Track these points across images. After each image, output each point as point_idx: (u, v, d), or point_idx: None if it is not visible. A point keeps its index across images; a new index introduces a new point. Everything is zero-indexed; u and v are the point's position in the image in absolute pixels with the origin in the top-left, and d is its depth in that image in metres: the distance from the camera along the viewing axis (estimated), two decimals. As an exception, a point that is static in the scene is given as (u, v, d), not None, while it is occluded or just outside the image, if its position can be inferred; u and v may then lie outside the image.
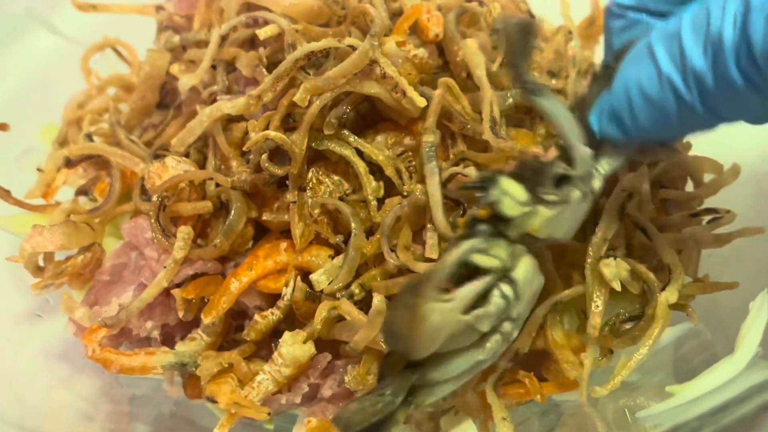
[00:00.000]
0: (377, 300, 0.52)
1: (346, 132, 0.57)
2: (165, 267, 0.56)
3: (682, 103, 0.41)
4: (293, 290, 0.56)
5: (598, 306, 0.53)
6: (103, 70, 0.77)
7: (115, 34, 0.76)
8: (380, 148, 0.57)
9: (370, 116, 0.58)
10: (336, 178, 0.57)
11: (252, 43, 0.63)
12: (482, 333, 0.45)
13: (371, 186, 0.56)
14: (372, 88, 0.55)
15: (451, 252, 0.44)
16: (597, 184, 0.47)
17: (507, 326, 0.45)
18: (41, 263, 0.62)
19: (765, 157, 0.67)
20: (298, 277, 0.56)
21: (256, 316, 0.57)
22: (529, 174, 0.46)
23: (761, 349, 0.51)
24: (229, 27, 0.62)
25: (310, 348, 0.54)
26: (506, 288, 0.45)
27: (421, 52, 0.57)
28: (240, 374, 0.56)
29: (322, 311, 0.54)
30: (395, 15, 0.61)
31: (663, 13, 0.46)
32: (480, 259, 0.45)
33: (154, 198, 0.58)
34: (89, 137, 0.68)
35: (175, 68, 0.65)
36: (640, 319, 0.53)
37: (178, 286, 0.57)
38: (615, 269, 0.52)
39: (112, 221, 0.64)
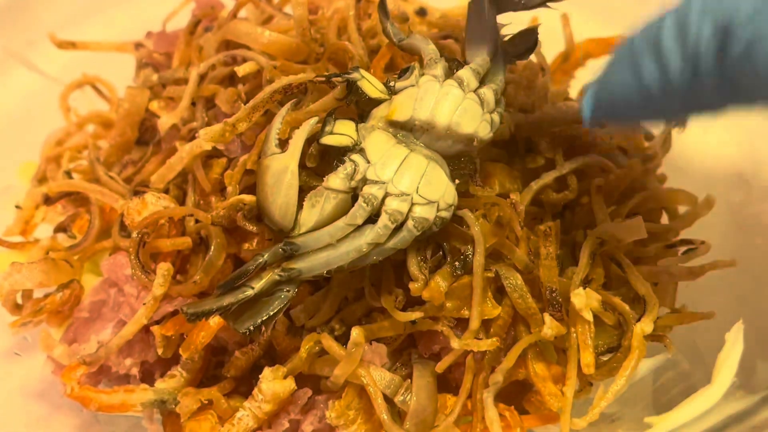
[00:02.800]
0: (355, 333, 0.52)
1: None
2: (144, 304, 0.56)
3: (660, 105, 0.42)
4: (273, 326, 0.56)
5: (587, 344, 0.53)
6: (81, 107, 0.77)
7: (94, 72, 0.76)
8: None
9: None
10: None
11: (231, 79, 0.63)
12: (350, 194, 0.50)
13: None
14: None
15: (297, 134, 0.52)
16: (438, 70, 0.53)
17: (392, 203, 0.49)
18: (19, 301, 0.62)
19: (740, 187, 0.68)
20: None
21: (236, 352, 0.57)
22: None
23: (738, 380, 0.52)
24: (208, 66, 0.62)
25: (290, 383, 0.54)
26: (356, 156, 0.50)
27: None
28: (220, 411, 0.56)
29: (306, 345, 0.54)
30: (373, 52, 0.61)
31: None
32: (329, 140, 0.50)
33: (134, 234, 0.58)
34: (68, 174, 0.68)
35: (154, 105, 0.65)
36: (617, 351, 0.54)
37: (157, 323, 0.56)
38: (585, 299, 0.52)
39: (91, 258, 0.64)
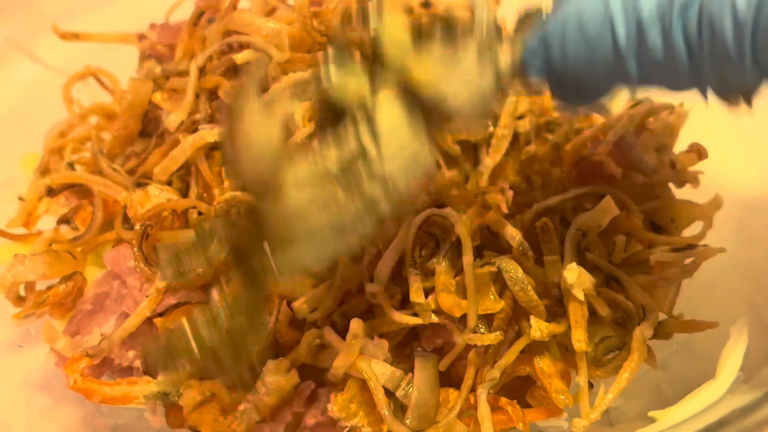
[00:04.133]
0: (354, 324, 0.52)
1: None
2: (147, 296, 0.56)
3: (616, 50, 0.39)
4: (276, 319, 0.55)
5: (578, 323, 0.53)
6: (85, 98, 0.77)
7: (97, 63, 0.76)
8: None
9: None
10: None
11: (235, 70, 0.63)
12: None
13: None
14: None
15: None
16: (502, 56, 0.41)
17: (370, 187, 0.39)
18: (22, 293, 0.62)
19: (750, 205, 0.68)
20: (284, 302, 0.56)
21: (239, 345, 0.56)
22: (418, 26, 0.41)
23: (742, 374, 0.52)
24: (205, 58, 0.62)
25: (293, 376, 0.54)
26: (363, 128, 0.38)
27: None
28: (223, 403, 0.56)
29: (307, 339, 0.54)
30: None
31: None
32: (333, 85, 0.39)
33: (137, 226, 0.57)
34: (71, 166, 0.68)
35: (157, 97, 0.65)
36: (621, 350, 0.54)
37: (160, 315, 0.56)
38: (576, 273, 0.52)
39: (94, 250, 0.64)
